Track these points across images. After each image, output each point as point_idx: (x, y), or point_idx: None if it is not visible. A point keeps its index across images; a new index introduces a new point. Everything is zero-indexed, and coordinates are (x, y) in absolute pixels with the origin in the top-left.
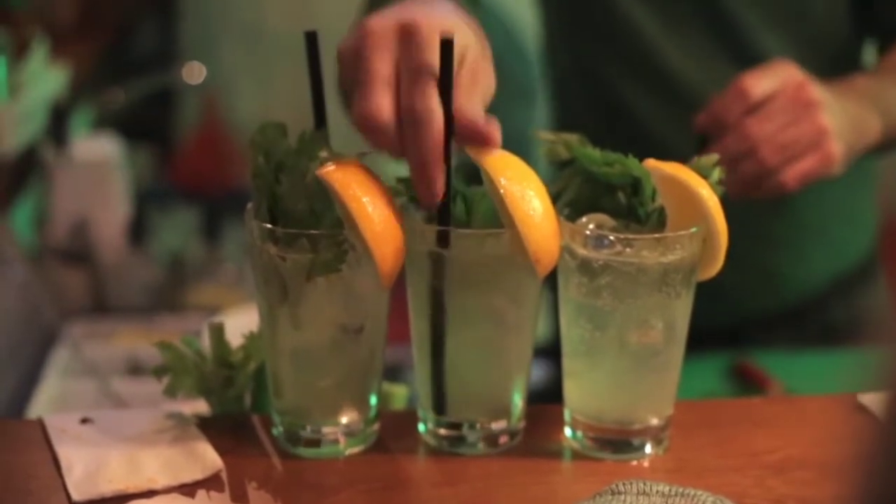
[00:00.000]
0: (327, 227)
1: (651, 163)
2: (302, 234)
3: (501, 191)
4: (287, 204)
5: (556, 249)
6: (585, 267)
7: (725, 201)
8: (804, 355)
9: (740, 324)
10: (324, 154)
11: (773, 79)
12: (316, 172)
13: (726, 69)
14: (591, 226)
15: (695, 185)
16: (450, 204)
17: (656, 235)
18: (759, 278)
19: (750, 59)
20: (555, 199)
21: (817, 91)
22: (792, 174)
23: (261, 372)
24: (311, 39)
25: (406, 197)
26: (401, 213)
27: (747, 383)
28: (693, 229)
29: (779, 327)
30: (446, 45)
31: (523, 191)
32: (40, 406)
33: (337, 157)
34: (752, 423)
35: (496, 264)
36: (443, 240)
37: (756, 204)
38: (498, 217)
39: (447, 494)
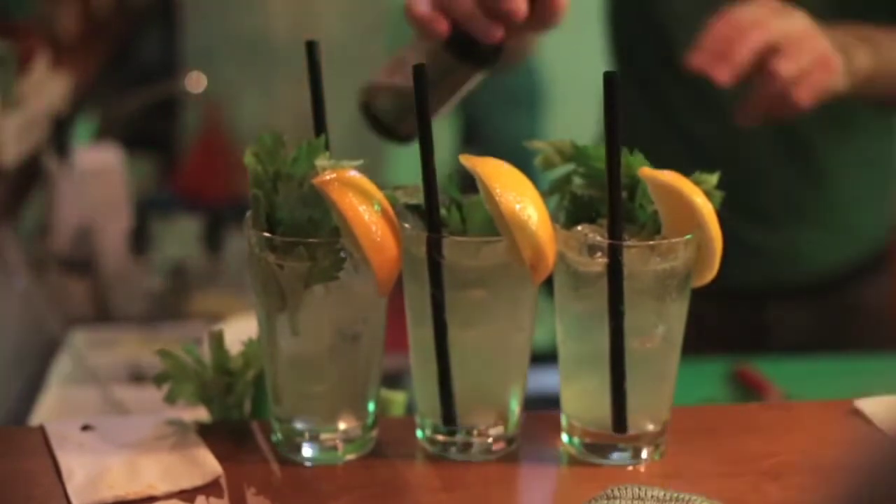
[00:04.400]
0: (325, 235)
1: (646, 171)
2: (300, 242)
3: (497, 199)
4: (285, 212)
5: (551, 257)
6: (580, 274)
7: (765, 160)
8: (803, 361)
9: (764, 289)
10: (322, 163)
11: (789, 20)
12: (313, 181)
13: None
14: (587, 234)
15: (689, 193)
16: (439, 210)
17: (651, 243)
18: (787, 246)
19: None
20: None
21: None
22: (805, 89)
23: (260, 379)
24: (312, 49)
25: (402, 205)
26: (397, 221)
27: (747, 389)
28: (687, 236)
29: (799, 298)
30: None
31: (518, 199)
32: (43, 413)
33: (334, 166)
34: (748, 429)
35: (492, 272)
36: (436, 248)
37: (783, 175)
38: (493, 225)
39: (445, 500)
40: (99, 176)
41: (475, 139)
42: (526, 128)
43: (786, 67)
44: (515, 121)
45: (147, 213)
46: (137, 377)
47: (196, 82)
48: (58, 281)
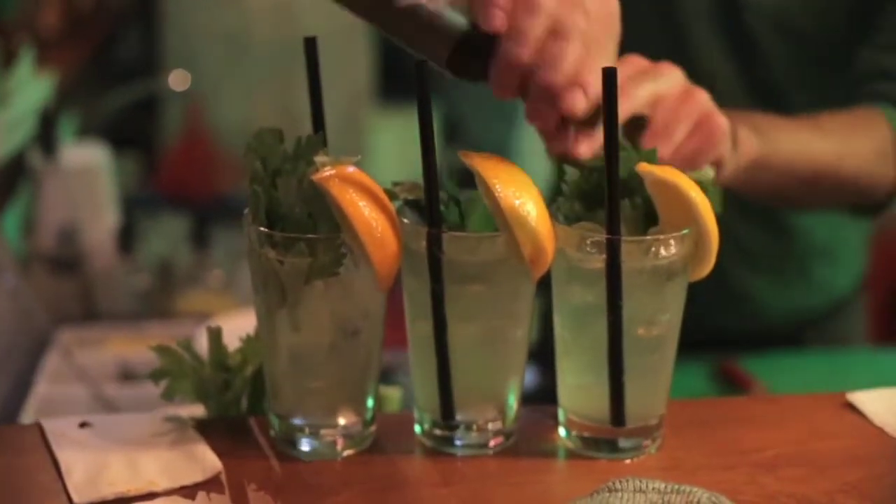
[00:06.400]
0: (325, 231)
1: (643, 166)
2: (300, 238)
3: (497, 195)
4: (284, 208)
5: (550, 252)
6: (579, 269)
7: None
8: (788, 357)
9: (716, 338)
10: (321, 159)
11: (658, 82)
12: (313, 177)
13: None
14: (586, 230)
15: (686, 188)
16: (439, 206)
17: (648, 238)
18: (737, 300)
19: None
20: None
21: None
22: (682, 162)
23: (257, 375)
24: (311, 45)
25: (401, 201)
26: (397, 217)
27: (731, 385)
28: (684, 231)
29: (754, 346)
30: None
31: (518, 194)
32: (33, 412)
33: (334, 162)
34: (741, 422)
35: (491, 267)
36: (436, 243)
37: (749, 230)
38: (492, 220)
39: (444, 494)
40: (84, 174)
41: (457, 139)
42: (504, 135)
43: (660, 151)
44: (494, 129)
45: (132, 212)
46: (126, 375)
47: (179, 80)
48: (44, 279)
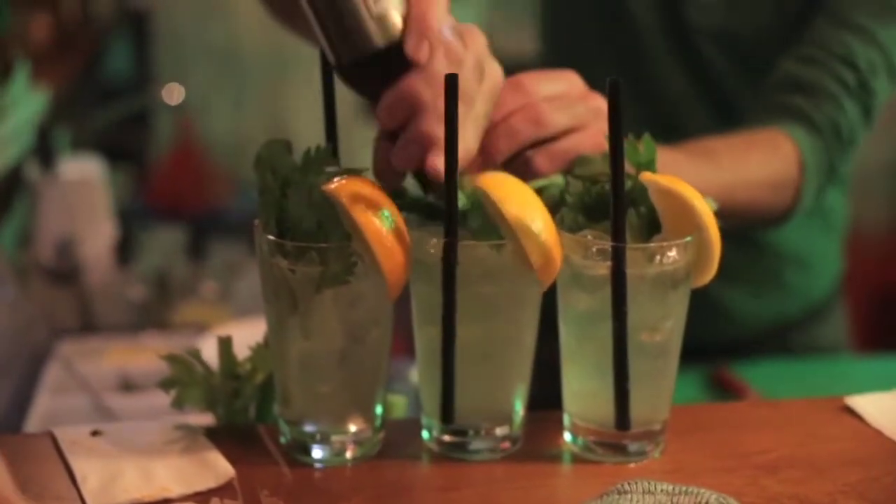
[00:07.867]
0: (335, 240)
1: (647, 175)
2: (311, 247)
3: (503, 211)
4: (295, 218)
5: (558, 261)
6: (584, 276)
7: None
8: (781, 363)
9: (700, 348)
10: (331, 169)
11: (557, 83)
12: (323, 188)
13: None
14: (591, 238)
15: (689, 197)
16: (458, 215)
17: (652, 245)
18: (714, 311)
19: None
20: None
21: (601, 99)
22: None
23: (267, 383)
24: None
25: (407, 211)
26: (407, 226)
27: (725, 392)
28: (687, 239)
29: (738, 354)
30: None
31: (524, 207)
32: (36, 422)
33: (344, 172)
34: (742, 426)
35: (499, 273)
36: (450, 252)
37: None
38: (490, 224)
39: (453, 499)
40: (81, 186)
41: None
42: None
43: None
44: None
45: (124, 224)
46: (127, 386)
47: (173, 94)
48: (42, 291)
